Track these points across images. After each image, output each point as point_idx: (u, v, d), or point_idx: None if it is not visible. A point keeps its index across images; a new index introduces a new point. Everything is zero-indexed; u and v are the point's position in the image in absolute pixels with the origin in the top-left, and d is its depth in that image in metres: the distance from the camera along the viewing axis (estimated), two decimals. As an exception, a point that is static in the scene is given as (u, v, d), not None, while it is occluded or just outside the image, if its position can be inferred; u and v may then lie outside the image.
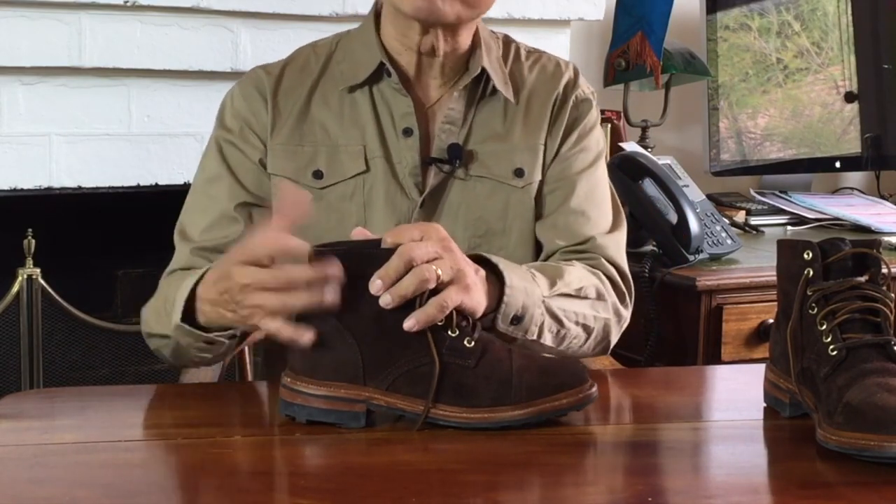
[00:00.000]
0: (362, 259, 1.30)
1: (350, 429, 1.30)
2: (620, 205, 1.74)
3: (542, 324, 1.51)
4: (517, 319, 1.47)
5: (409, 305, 1.28)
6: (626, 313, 1.65)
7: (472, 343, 1.30)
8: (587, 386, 1.31)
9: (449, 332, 1.30)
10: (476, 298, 1.34)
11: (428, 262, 1.29)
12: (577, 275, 1.58)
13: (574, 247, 1.65)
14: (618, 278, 1.65)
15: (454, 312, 1.30)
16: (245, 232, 1.56)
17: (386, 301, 1.27)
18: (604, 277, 1.62)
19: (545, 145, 1.68)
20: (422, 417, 1.29)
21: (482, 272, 1.40)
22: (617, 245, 1.68)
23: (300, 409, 1.31)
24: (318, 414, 1.30)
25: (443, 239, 1.33)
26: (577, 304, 1.56)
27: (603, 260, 1.64)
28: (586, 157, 1.70)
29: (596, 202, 1.69)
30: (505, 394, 1.29)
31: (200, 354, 1.49)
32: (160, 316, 1.51)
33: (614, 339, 1.64)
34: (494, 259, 1.47)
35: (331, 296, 1.27)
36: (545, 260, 1.65)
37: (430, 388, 1.28)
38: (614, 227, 1.69)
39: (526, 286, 1.48)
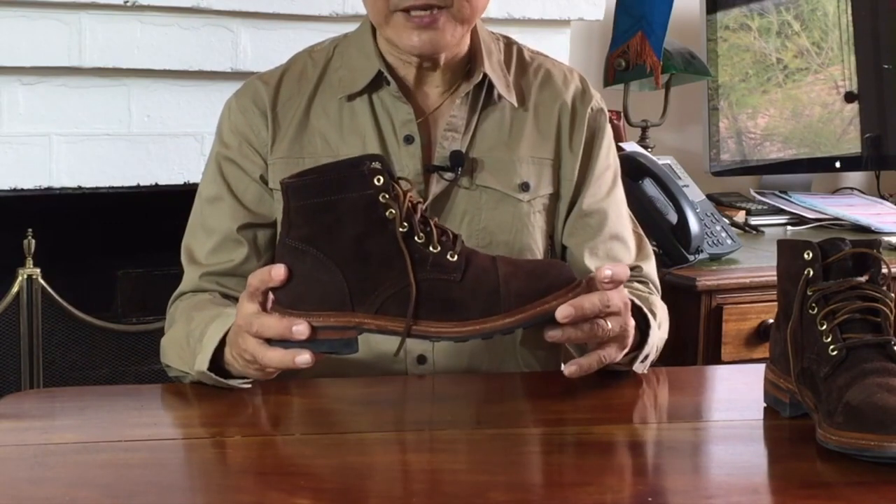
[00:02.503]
0: (336, 182, 1.29)
1: (344, 353, 1.30)
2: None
3: (648, 357, 1.54)
4: (646, 358, 1.51)
5: (382, 231, 1.28)
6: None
7: (456, 257, 1.29)
8: (576, 285, 1.31)
9: (431, 249, 1.29)
10: (623, 352, 1.42)
11: (612, 313, 1.34)
12: (662, 308, 1.63)
13: None
14: None
15: (433, 228, 1.30)
16: (250, 254, 1.61)
17: (567, 312, 1.28)
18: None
19: (558, 158, 1.66)
20: (403, 337, 1.28)
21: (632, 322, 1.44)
22: (655, 270, 1.72)
23: (292, 343, 1.30)
24: (312, 345, 1.30)
25: (625, 300, 1.38)
26: (658, 335, 1.59)
27: (653, 286, 1.68)
28: (609, 176, 1.70)
29: (623, 221, 1.70)
30: (494, 303, 1.28)
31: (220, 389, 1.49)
32: (182, 350, 1.51)
33: None
34: (645, 308, 1.51)
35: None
36: None
37: (407, 311, 1.27)
38: (648, 253, 1.72)
39: (655, 329, 1.52)
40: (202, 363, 1.43)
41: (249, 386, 1.43)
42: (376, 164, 1.29)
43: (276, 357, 1.31)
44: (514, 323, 1.29)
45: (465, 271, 1.29)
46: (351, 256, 1.28)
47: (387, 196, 1.28)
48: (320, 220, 1.29)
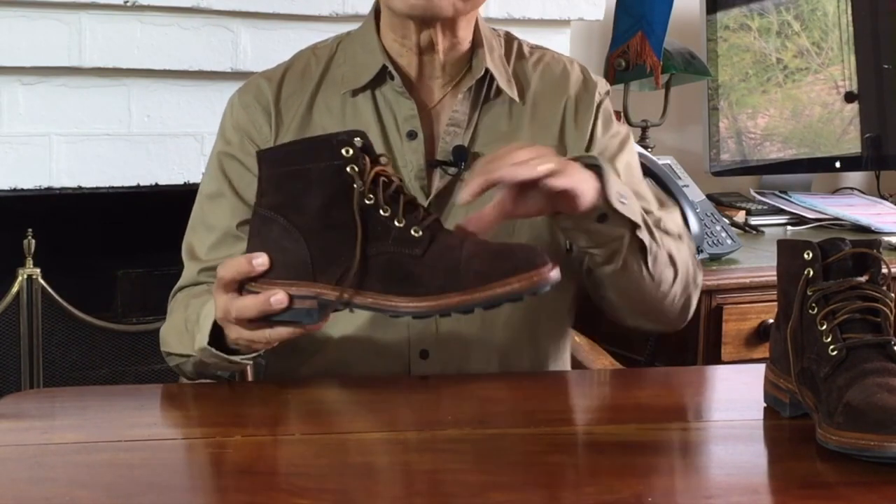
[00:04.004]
0: (307, 152, 1.30)
1: (308, 322, 1.31)
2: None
3: (644, 221, 1.48)
4: (623, 197, 1.44)
5: (345, 202, 1.28)
6: (701, 279, 1.64)
7: (420, 233, 1.29)
8: (543, 269, 1.27)
9: (395, 223, 1.29)
10: (588, 184, 1.37)
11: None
12: (672, 220, 1.57)
13: None
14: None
15: (403, 205, 1.29)
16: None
17: (463, 197, 1.31)
18: None
19: (562, 150, 1.64)
20: (336, 303, 1.28)
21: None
22: (679, 220, 1.64)
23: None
24: (276, 315, 1.31)
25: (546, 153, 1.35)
26: (666, 239, 1.54)
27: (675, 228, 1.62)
28: (615, 143, 1.66)
29: (635, 181, 1.64)
30: (453, 281, 1.26)
31: (222, 372, 1.50)
32: (181, 336, 1.52)
33: (694, 300, 1.64)
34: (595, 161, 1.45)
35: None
36: None
37: (348, 278, 1.27)
38: (671, 208, 1.65)
39: (616, 180, 1.45)
40: (202, 340, 1.44)
41: (251, 362, 1.44)
42: (356, 140, 1.29)
43: (250, 303, 1.32)
44: (471, 301, 1.26)
45: (428, 247, 1.28)
46: (316, 226, 1.29)
47: (355, 168, 1.28)
48: (289, 188, 1.30)
